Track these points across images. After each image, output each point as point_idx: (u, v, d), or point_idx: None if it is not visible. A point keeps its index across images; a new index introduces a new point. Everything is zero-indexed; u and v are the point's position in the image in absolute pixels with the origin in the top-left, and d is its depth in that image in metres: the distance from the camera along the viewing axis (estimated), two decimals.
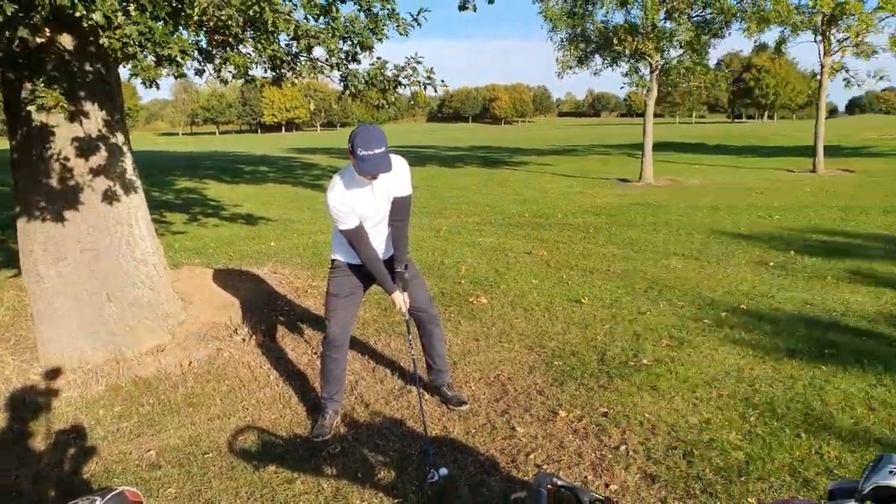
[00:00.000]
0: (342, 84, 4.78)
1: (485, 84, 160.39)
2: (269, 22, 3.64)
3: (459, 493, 3.01)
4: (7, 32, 3.15)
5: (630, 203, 13.21)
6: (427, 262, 7.65)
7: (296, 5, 4.19)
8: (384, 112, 4.90)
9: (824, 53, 18.69)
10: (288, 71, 4.58)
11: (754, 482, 2.98)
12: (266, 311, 5.47)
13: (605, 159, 27.29)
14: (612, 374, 4.23)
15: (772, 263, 7.40)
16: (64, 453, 3.60)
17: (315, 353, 4.74)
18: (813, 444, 3.32)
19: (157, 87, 3.60)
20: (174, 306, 5.03)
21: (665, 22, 15.06)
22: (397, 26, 4.54)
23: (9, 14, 2.87)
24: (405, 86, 4.70)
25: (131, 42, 3.12)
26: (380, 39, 4.45)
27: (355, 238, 3.40)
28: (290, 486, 3.13)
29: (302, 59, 4.54)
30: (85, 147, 4.35)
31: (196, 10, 3.29)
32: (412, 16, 4.60)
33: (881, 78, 19.88)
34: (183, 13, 3.38)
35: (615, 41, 15.46)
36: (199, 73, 4.23)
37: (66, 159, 4.32)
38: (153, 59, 3.30)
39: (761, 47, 20.76)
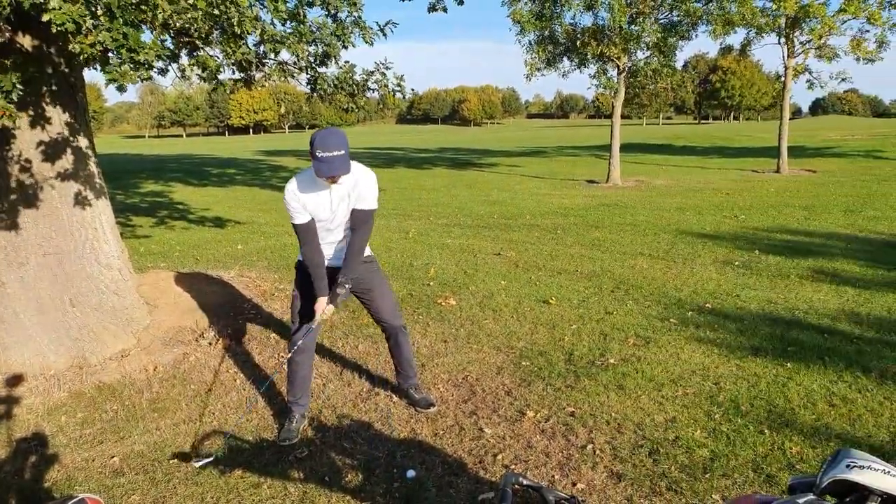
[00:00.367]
0: (310, 87, 4.75)
1: (454, 86, 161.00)
2: (236, 23, 3.60)
3: (427, 494, 3.01)
4: None
5: (598, 204, 13.35)
6: (396, 264, 7.64)
7: (263, 7, 4.15)
8: (353, 115, 4.89)
9: (788, 55, 19.10)
10: (256, 72, 4.55)
11: (719, 479, 3.04)
12: (233, 314, 5.41)
13: (573, 161, 27.53)
14: (580, 373, 4.27)
15: (737, 263, 7.55)
16: (25, 461, 3.51)
17: (282, 357, 4.70)
18: (776, 440, 3.39)
19: (124, 90, 3.54)
20: (139, 311, 4.94)
21: (632, 24, 15.27)
22: (363, 35, 4.53)
23: None
24: (374, 91, 4.71)
25: (103, 48, 3.08)
26: (346, 47, 4.44)
27: (302, 234, 3.44)
28: (256, 491, 3.10)
29: (270, 61, 4.51)
30: (48, 150, 4.26)
31: (160, 17, 3.24)
32: (379, 25, 4.60)
33: (843, 80, 20.38)
34: (148, 18, 3.33)
35: (579, 45, 15.62)
36: (163, 72, 4.16)
37: (28, 162, 4.22)
38: (128, 64, 3.25)
39: (727, 49, 21.13)
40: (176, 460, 3.42)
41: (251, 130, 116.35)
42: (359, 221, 3.49)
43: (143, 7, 3.17)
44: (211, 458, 3.28)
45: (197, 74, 4.08)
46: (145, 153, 39.90)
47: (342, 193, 3.39)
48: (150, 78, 3.55)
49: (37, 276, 4.34)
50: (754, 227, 9.90)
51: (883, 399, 3.85)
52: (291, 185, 3.38)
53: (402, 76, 4.60)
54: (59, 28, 2.94)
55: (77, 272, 4.49)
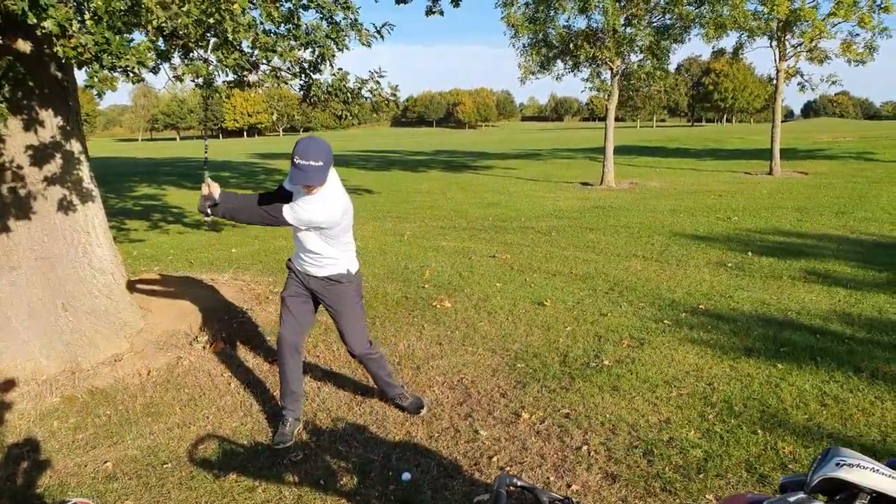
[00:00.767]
0: (303, 93, 4.75)
1: (449, 89, 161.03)
2: (230, 31, 3.60)
3: (422, 497, 3.01)
4: None
5: (592, 206, 13.38)
6: (391, 267, 7.64)
7: (256, 16, 4.16)
8: (347, 121, 4.89)
9: (780, 58, 19.21)
10: (251, 75, 4.55)
11: (712, 479, 3.05)
12: (227, 318, 5.40)
13: (567, 163, 27.59)
14: (574, 375, 4.28)
15: (730, 264, 7.58)
16: (17, 467, 3.49)
17: (276, 360, 4.70)
18: (769, 440, 3.41)
19: (106, 93, 3.53)
20: (132, 315, 4.93)
21: (625, 27, 15.33)
22: (360, 37, 4.53)
23: None
24: (368, 99, 4.71)
25: (87, 51, 3.07)
26: (341, 49, 4.44)
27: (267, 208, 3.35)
28: (251, 495, 3.09)
29: (263, 67, 4.51)
30: (39, 154, 4.24)
31: (154, 21, 3.24)
32: (376, 27, 4.60)
33: (834, 83, 20.50)
34: (140, 22, 3.33)
35: (573, 48, 15.67)
36: (155, 70, 4.15)
37: (20, 167, 4.20)
38: (108, 69, 3.24)
39: (719, 52, 21.24)
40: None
41: (245, 133, 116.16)
42: (278, 212, 3.30)
43: (135, 11, 3.17)
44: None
45: (191, 79, 4.07)
46: (138, 156, 39.77)
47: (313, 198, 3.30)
48: (141, 80, 3.54)
49: (29, 280, 4.32)
50: (747, 229, 9.94)
51: (874, 399, 3.88)
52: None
53: (396, 85, 4.61)
54: (43, 31, 2.93)
55: (69, 276, 4.47)
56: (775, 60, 19.25)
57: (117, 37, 3.13)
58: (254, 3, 4.07)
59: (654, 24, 15.60)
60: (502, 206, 13.70)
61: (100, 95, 3.29)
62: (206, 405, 4.11)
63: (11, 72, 3.60)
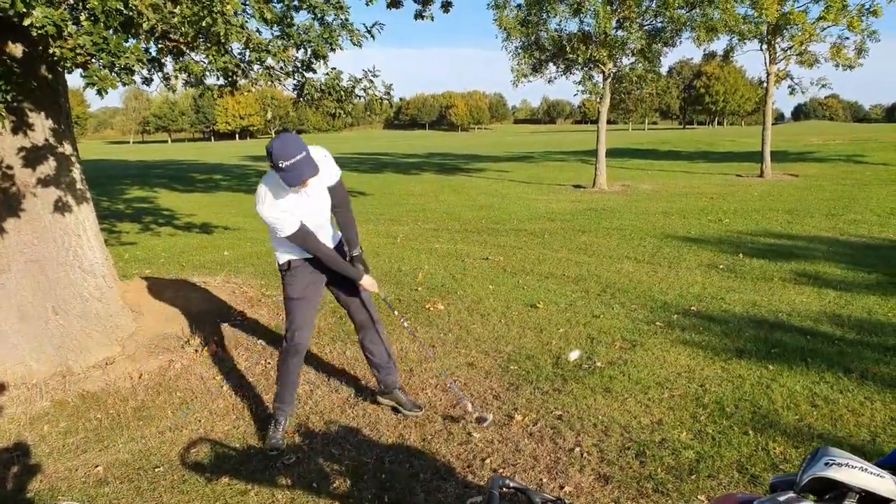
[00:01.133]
0: (296, 92, 4.75)
1: (441, 91, 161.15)
2: (221, 34, 3.59)
3: (416, 499, 3.01)
4: None
5: (584, 209, 13.42)
6: (384, 269, 7.63)
7: (249, 17, 4.15)
8: (340, 120, 4.89)
9: (770, 62, 19.33)
10: (242, 78, 4.54)
11: (704, 480, 3.07)
12: (218, 321, 5.38)
13: (560, 166, 27.65)
14: (567, 377, 4.29)
15: (721, 266, 7.62)
16: (7, 471, 3.47)
17: (268, 363, 4.68)
18: (760, 441, 3.43)
19: (104, 94, 3.52)
20: (124, 318, 4.91)
21: (617, 30, 15.39)
22: (351, 37, 4.54)
23: None
24: (362, 98, 4.72)
25: (83, 52, 3.06)
26: (333, 49, 4.44)
27: (303, 239, 3.32)
28: (243, 499, 3.09)
29: (256, 67, 4.51)
30: (30, 156, 4.22)
31: (146, 24, 3.23)
32: (366, 27, 4.61)
33: (823, 86, 20.61)
34: (133, 24, 3.32)
35: (568, 49, 15.71)
36: (147, 81, 4.15)
37: (10, 168, 4.18)
38: (107, 69, 3.23)
39: (710, 55, 21.34)
40: None
41: (237, 136, 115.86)
42: (338, 194, 3.48)
43: (128, 16, 3.16)
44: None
45: (182, 80, 4.07)
46: (130, 159, 39.57)
47: (315, 185, 3.32)
48: (133, 82, 3.54)
49: (19, 283, 4.29)
50: (738, 231, 9.99)
51: (864, 399, 3.90)
52: (268, 200, 3.23)
53: (390, 84, 4.62)
54: (39, 31, 2.92)
55: (60, 279, 4.45)
56: (765, 64, 19.37)
57: (114, 36, 3.12)
58: (246, 4, 4.07)
59: (646, 27, 15.68)
60: (495, 209, 13.72)
61: (101, 93, 3.26)
62: (198, 408, 4.10)
63: (8, 73, 3.58)
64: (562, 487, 3.07)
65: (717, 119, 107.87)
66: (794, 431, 3.53)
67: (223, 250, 9.23)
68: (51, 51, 3.09)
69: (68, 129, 4.56)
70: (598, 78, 16.93)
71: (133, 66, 3.23)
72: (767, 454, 3.28)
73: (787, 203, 13.31)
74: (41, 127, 4.27)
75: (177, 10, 3.30)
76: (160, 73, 4.24)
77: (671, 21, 15.14)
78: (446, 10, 5.34)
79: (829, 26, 18.24)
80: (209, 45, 3.84)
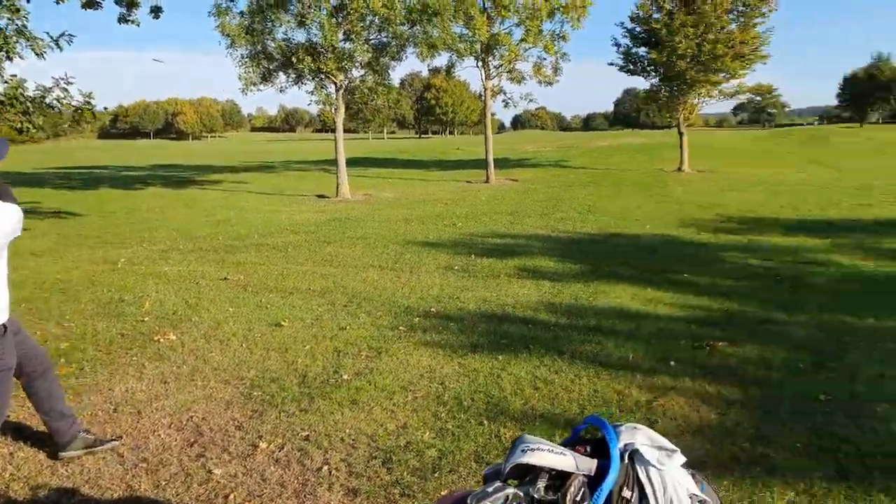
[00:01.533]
0: None
1: (166, 97, 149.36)
2: None
3: None
4: None
5: (328, 219, 13.47)
6: (102, 301, 6.72)
7: None
8: (30, 134, 4.22)
9: (486, 77, 21.40)
10: None
11: (446, 475, 3.23)
12: None
13: (301, 175, 27.45)
14: (314, 395, 4.23)
15: (457, 267, 8.19)
16: None
17: None
18: (493, 429, 3.72)
19: None
20: None
21: (344, 43, 15.71)
22: (32, 46, 3.94)
23: None
24: (56, 109, 4.12)
25: None
26: (10, 58, 3.81)
27: None
28: None
29: None
30: None
31: None
32: (51, 37, 4.03)
33: (531, 100, 23.57)
34: None
35: (295, 60, 15.63)
36: None
37: None
38: None
39: (435, 70, 22.95)
40: None
41: None
42: None
43: None
44: None
45: None
46: None
47: None
48: None
49: None
50: (470, 234, 10.85)
51: (573, 377, 4.48)
52: None
53: (89, 93, 4.11)
54: None
55: None
56: (482, 79, 21.40)
57: None
58: None
59: (372, 41, 16.25)
60: (233, 223, 13.09)
61: None
62: None
63: None
64: None
65: (448, 129, 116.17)
66: (521, 415, 3.90)
67: None
68: None
69: None
70: (332, 88, 17.13)
71: None
72: (500, 441, 3.58)
73: (510, 206, 14.83)
74: None
75: None
76: None
77: (395, 37, 15.90)
78: (156, 16, 4.92)
79: (530, 48, 20.83)
80: None
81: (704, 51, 23.10)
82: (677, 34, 22.81)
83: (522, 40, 20.40)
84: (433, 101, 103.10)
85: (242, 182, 24.32)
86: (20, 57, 3.74)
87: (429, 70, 25.92)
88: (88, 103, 4.01)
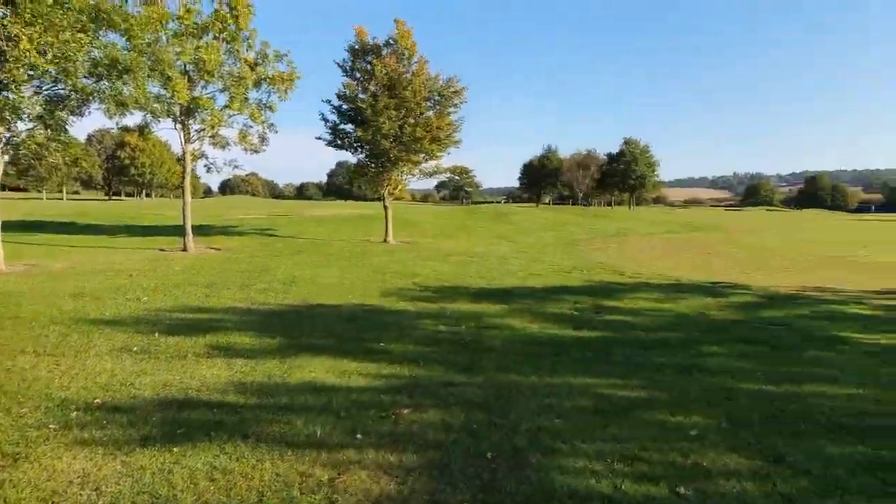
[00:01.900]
0: None
1: None
2: None
3: None
4: None
5: None
6: None
7: None
8: None
9: (186, 141, 20.27)
10: None
11: None
12: None
13: None
14: None
15: (135, 348, 7.31)
16: None
17: None
18: None
19: None
20: None
21: (4, 93, 13.51)
22: None
23: None
24: None
25: None
26: None
27: None
28: None
29: None
30: None
31: None
32: None
33: (236, 167, 22.89)
34: None
35: None
36: None
37: None
38: None
39: (125, 129, 20.99)
40: None
41: None
42: None
43: None
44: None
45: None
46: None
47: None
48: None
49: None
50: (157, 309, 9.86)
51: (256, 462, 4.21)
52: None
53: None
54: None
55: None
56: (181, 142, 20.23)
57: None
58: None
59: (45, 92, 14.31)
60: None
61: None
62: None
63: None
64: None
65: (145, 191, 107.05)
66: None
67: None
68: None
69: None
70: None
71: None
72: None
73: (208, 276, 13.93)
74: None
75: None
76: None
77: (75, 90, 14.24)
78: None
79: (235, 114, 20.38)
80: None
81: (406, 132, 25.12)
82: (381, 115, 24.49)
83: (226, 106, 19.91)
84: (128, 161, 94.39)
85: None
86: None
87: (118, 128, 23.47)
88: None
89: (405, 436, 4.80)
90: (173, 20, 17.54)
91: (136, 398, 5.57)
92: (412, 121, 25.39)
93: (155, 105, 17.65)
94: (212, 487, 3.84)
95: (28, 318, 8.85)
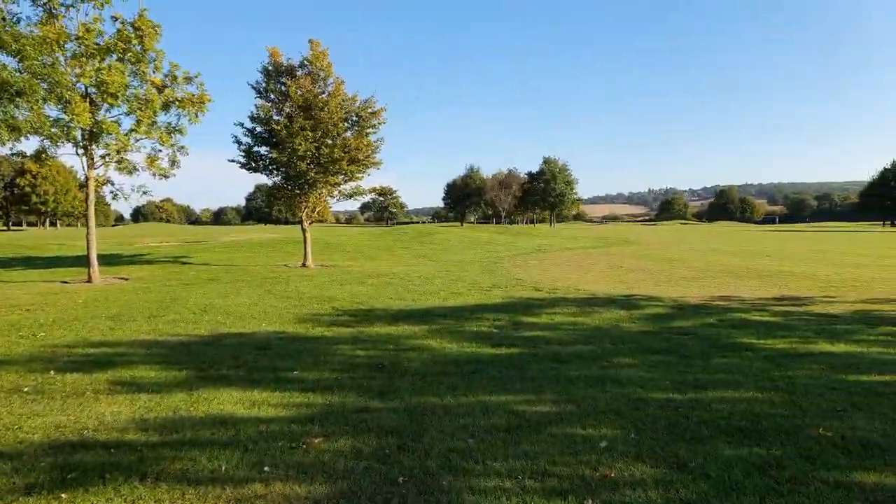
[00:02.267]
0: None
1: None
2: None
3: None
4: None
5: None
6: None
7: None
8: None
9: (89, 166, 19.29)
10: None
11: None
12: None
13: None
14: None
15: (27, 388, 6.83)
16: None
17: None
18: None
19: None
20: None
21: None
22: None
23: None
24: None
25: None
26: None
27: None
28: None
29: None
30: None
31: None
32: None
33: (144, 192, 21.91)
34: None
35: None
36: None
37: None
38: None
39: (20, 154, 19.71)
40: None
41: None
42: None
43: None
44: None
45: None
46: None
47: None
48: None
49: None
50: (54, 345, 9.27)
51: (155, 502, 3.99)
52: None
53: None
54: None
55: None
56: (84, 168, 19.26)
57: None
58: None
59: None
60: None
61: None
62: None
63: None
64: None
65: (49, 220, 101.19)
66: None
67: None
68: None
69: None
70: None
71: None
72: None
73: (113, 308, 13.25)
74: None
75: None
76: None
77: None
78: None
79: (142, 138, 19.59)
80: None
81: (323, 154, 24.85)
82: (297, 136, 24.15)
83: (133, 130, 19.11)
84: (29, 189, 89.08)
85: None
86: None
87: (12, 154, 21.80)
88: None
89: (314, 466, 4.67)
90: (72, 40, 16.75)
91: (24, 443, 5.19)
92: (329, 142, 25.18)
93: (53, 130, 16.74)
94: None
95: None
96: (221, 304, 14.04)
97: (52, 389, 6.84)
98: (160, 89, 19.42)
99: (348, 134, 25.98)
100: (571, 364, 8.15)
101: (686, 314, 12.69)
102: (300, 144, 24.16)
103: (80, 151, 18.99)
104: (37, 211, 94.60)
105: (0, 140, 14.90)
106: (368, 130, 26.37)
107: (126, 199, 21.40)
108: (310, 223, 27.64)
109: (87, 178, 19.47)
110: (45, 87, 15.81)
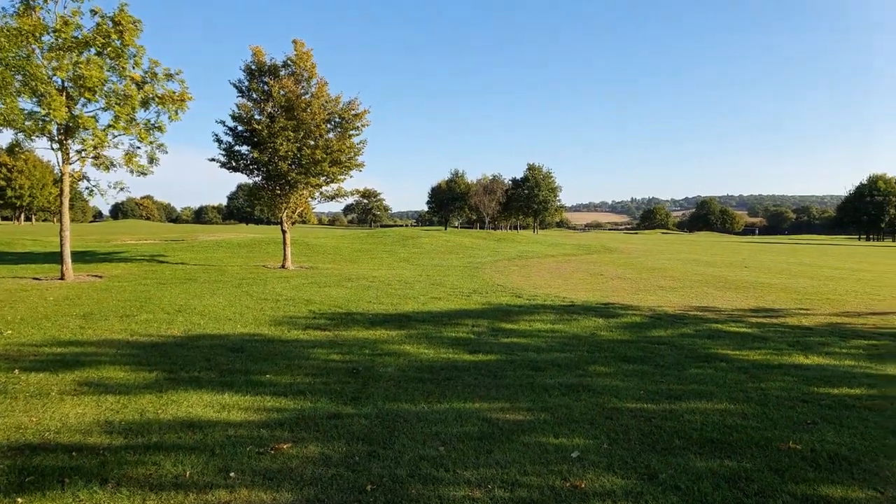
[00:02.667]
0: None
1: None
2: None
3: None
4: None
5: None
6: None
7: None
8: None
9: (64, 161, 18.97)
10: None
11: None
12: None
13: None
14: None
15: None
16: None
17: None
18: None
19: None
20: None
21: None
22: None
23: None
24: None
25: None
26: None
27: None
28: None
29: None
30: None
31: None
32: None
33: (122, 189, 21.60)
34: None
35: None
36: None
37: None
38: None
39: None
40: None
41: None
42: None
43: None
44: None
45: None
46: None
47: None
48: None
49: None
50: (21, 343, 9.06)
51: None
52: None
53: None
54: None
55: None
56: (59, 163, 18.94)
57: None
58: None
59: None
60: None
61: None
62: None
63: None
64: None
65: (24, 215, 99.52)
66: None
67: None
68: None
69: None
70: None
71: None
72: None
73: (85, 307, 13.00)
74: None
75: None
76: None
77: None
78: None
79: (120, 135, 19.29)
80: None
81: (304, 155, 24.67)
82: (279, 137, 23.95)
83: (111, 126, 18.82)
84: (3, 183, 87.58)
85: None
86: None
87: None
88: None
89: (281, 472, 4.59)
90: (49, 33, 16.47)
91: None
92: (312, 143, 25.01)
93: (27, 123, 16.43)
94: None
95: None
96: (197, 304, 13.84)
97: (15, 389, 6.67)
98: (140, 85, 19.16)
99: (331, 135, 25.83)
100: (547, 372, 8.12)
101: (663, 324, 12.74)
102: (281, 145, 23.97)
103: (56, 146, 18.67)
104: (11, 205, 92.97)
105: None
106: (352, 132, 26.24)
107: (103, 195, 21.05)
108: (290, 224, 27.41)
109: (62, 174, 19.13)
110: (20, 79, 15.51)
